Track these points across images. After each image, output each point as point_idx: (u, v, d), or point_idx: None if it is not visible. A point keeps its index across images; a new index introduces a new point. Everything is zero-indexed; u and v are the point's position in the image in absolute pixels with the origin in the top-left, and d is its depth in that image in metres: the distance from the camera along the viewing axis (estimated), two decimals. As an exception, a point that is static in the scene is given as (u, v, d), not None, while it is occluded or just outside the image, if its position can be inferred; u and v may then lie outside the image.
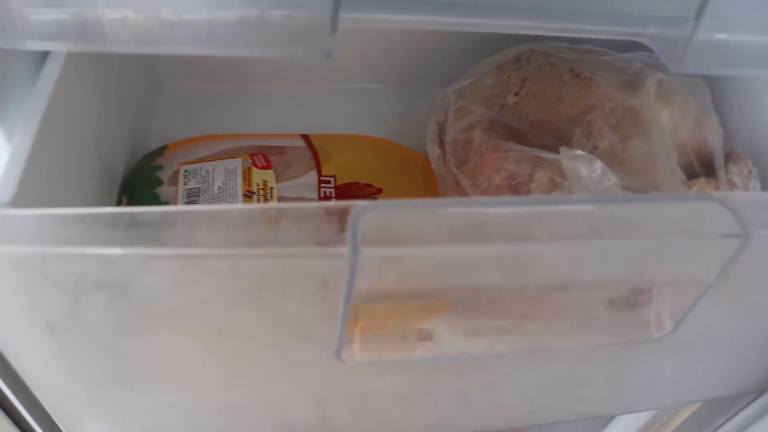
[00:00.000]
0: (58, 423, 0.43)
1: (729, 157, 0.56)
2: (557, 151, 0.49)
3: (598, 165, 0.44)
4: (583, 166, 0.45)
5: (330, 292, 0.33)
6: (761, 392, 0.58)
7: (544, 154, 0.48)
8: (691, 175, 0.54)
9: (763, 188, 0.58)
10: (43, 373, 0.38)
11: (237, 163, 0.56)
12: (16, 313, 0.32)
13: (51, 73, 0.42)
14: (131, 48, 0.33)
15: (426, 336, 0.41)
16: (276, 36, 0.34)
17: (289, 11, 0.34)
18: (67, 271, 0.30)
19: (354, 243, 0.30)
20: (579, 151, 0.46)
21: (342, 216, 0.30)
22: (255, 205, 0.30)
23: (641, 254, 0.35)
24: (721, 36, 0.43)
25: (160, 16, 0.33)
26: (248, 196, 0.53)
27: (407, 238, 0.31)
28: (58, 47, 0.38)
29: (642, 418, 0.78)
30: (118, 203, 0.54)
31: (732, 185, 0.54)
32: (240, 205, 0.30)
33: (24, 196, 0.35)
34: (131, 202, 0.54)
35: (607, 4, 0.44)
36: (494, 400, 0.47)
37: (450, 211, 0.31)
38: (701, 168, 0.54)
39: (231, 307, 0.33)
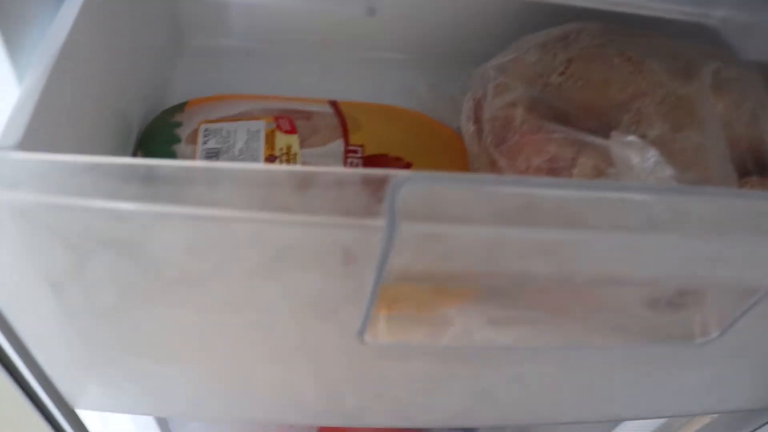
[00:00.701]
0: (57, 388, 0.40)
1: (784, 156, 0.52)
2: (603, 136, 0.46)
3: (652, 154, 0.41)
4: (634, 153, 0.42)
5: (355, 268, 0.30)
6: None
7: (590, 138, 0.45)
8: (743, 172, 0.50)
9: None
10: (44, 335, 0.36)
11: (260, 126, 0.53)
12: (17, 267, 0.30)
13: (68, 14, 0.39)
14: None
15: (454, 321, 0.38)
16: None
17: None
18: (72, 224, 0.27)
19: (392, 216, 0.27)
20: (632, 137, 0.43)
21: (379, 186, 0.27)
22: (284, 167, 0.27)
23: (701, 252, 0.32)
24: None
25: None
26: (270, 160, 0.50)
27: (450, 214, 0.27)
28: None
29: (651, 423, 0.75)
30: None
31: (786, 186, 0.50)
32: (268, 165, 0.27)
33: (31, 142, 0.32)
34: (146, 158, 0.51)
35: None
36: (517, 394, 0.44)
37: (499, 189, 0.28)
38: (755, 166, 0.51)
39: (248, 277, 0.30)
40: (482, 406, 0.43)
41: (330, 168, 0.27)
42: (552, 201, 0.29)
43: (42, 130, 0.34)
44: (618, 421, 0.70)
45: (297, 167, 0.27)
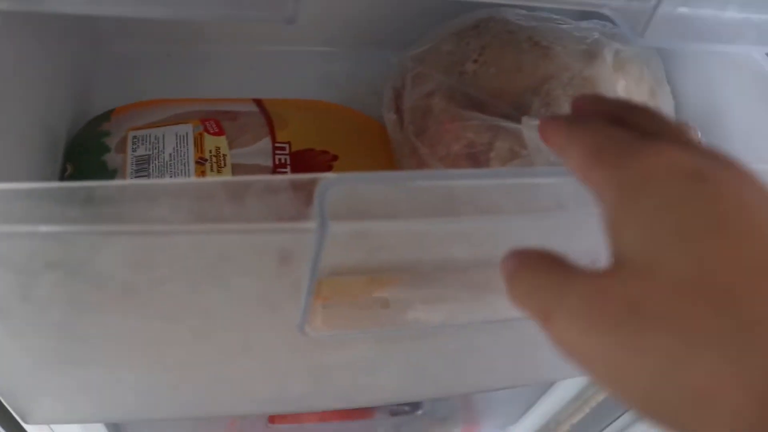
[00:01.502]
0: (9, 407, 0.41)
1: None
2: (517, 121, 0.49)
3: (560, 135, 0.44)
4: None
5: (291, 268, 0.32)
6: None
7: (504, 123, 0.48)
8: (645, 144, 0.54)
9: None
10: (-8, 353, 0.36)
11: (188, 129, 0.54)
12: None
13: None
14: (74, 8, 0.31)
15: (386, 304, 0.40)
16: (236, -2, 0.33)
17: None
18: (17, 250, 0.28)
19: (322, 217, 0.29)
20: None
21: (308, 189, 0.30)
22: (218, 179, 0.28)
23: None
24: (683, 9, 0.43)
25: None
26: (200, 163, 0.51)
27: (376, 211, 0.30)
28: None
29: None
30: (63, 171, 0.52)
31: (684, 154, 0.55)
32: (202, 179, 0.28)
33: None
34: (76, 171, 0.51)
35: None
36: (451, 367, 0.47)
37: (419, 184, 0.31)
38: (655, 137, 0.55)
39: (192, 284, 0.32)
40: (421, 382, 0.46)
41: (260, 177, 0.29)
42: (468, 191, 0.32)
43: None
44: (548, 384, 0.74)
45: (231, 178, 0.28)
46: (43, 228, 0.27)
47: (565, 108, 0.51)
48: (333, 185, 0.29)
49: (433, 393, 0.49)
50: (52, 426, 0.60)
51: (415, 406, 0.80)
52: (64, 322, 0.33)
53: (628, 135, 0.23)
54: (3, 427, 0.68)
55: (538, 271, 0.23)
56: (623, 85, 0.55)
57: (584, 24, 0.58)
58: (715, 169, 0.21)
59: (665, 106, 0.56)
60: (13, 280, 0.30)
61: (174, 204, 0.28)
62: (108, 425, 0.64)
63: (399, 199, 0.31)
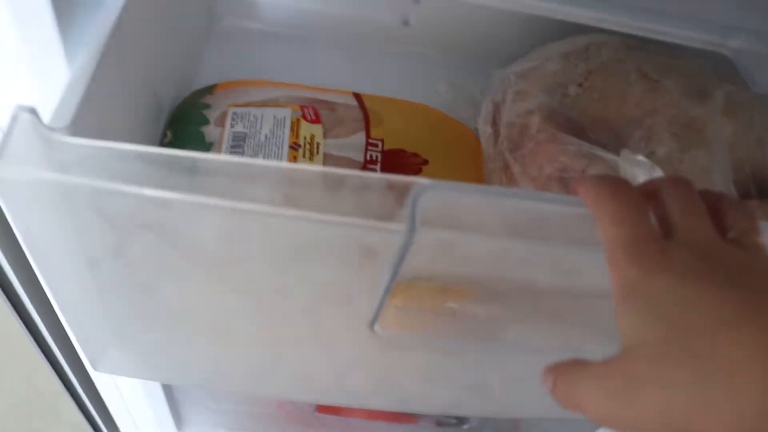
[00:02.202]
0: (80, 350, 0.43)
1: (786, 183, 0.54)
2: (613, 150, 0.48)
3: (658, 173, 0.43)
4: (641, 172, 0.44)
5: (373, 266, 0.32)
6: None
7: (601, 152, 0.47)
8: (744, 195, 0.52)
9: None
10: (76, 303, 0.38)
11: (286, 113, 0.55)
12: (61, 243, 0.32)
13: (115, 2, 0.41)
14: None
15: (460, 315, 0.40)
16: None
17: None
18: (119, 208, 0.29)
19: (412, 221, 0.29)
20: (640, 157, 0.45)
21: (402, 191, 0.30)
22: (317, 167, 0.29)
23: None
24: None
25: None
26: (294, 148, 0.52)
27: (466, 223, 0.30)
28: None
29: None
30: (163, 137, 0.54)
31: (785, 211, 0.52)
32: (302, 166, 0.29)
33: (80, 123, 0.34)
34: (175, 138, 0.53)
35: (690, 6, 0.42)
36: (508, 390, 0.47)
37: (513, 202, 0.31)
38: (756, 190, 0.53)
39: (275, 265, 0.32)
40: (475, 399, 0.46)
41: (357, 172, 0.29)
42: (561, 217, 0.31)
43: (89, 111, 0.36)
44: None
45: (329, 169, 0.29)
46: (147, 191, 0.28)
47: (666, 144, 0.50)
48: (427, 191, 0.29)
49: (485, 412, 0.48)
50: (116, 380, 0.63)
51: (462, 420, 0.80)
52: (148, 282, 0.34)
53: (656, 245, 0.27)
54: (72, 373, 0.71)
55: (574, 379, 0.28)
56: (731, 130, 0.53)
57: (699, 61, 0.56)
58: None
59: (772, 158, 0.54)
60: (109, 235, 0.31)
61: (272, 186, 0.29)
62: (163, 385, 0.66)
63: (489, 213, 0.30)
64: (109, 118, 0.41)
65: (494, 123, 0.55)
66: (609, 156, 0.47)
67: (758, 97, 0.55)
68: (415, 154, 0.55)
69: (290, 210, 0.28)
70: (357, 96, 0.59)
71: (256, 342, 0.39)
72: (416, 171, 0.54)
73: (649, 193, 0.30)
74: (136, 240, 0.31)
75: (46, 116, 0.33)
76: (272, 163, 0.28)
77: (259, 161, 0.28)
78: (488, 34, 0.68)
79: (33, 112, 0.30)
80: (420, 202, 0.29)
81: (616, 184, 0.29)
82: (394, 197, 0.30)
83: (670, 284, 0.25)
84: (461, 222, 0.30)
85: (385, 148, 0.55)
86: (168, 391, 0.71)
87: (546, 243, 0.31)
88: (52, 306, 0.42)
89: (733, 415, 0.21)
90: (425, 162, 0.55)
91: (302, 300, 0.35)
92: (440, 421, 0.84)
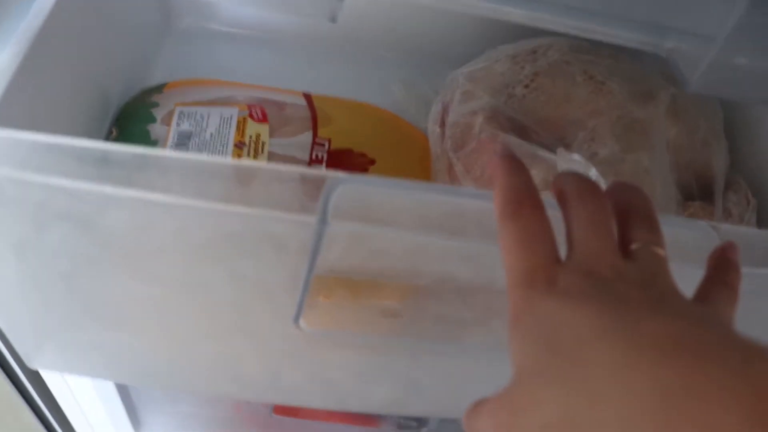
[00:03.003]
0: (15, 346, 0.43)
1: (730, 185, 0.55)
2: (556, 152, 0.48)
3: (593, 173, 0.43)
4: (577, 170, 0.44)
5: (289, 259, 0.32)
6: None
7: (541, 152, 0.48)
8: (688, 197, 0.53)
9: (764, 223, 0.57)
10: (5, 296, 0.38)
11: (233, 112, 0.55)
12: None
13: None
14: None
15: (390, 313, 0.40)
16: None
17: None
18: (31, 197, 0.29)
19: (323, 214, 0.29)
20: (576, 156, 0.45)
21: (316, 185, 0.30)
22: (229, 160, 0.29)
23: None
24: (741, 60, 0.42)
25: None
26: (239, 147, 0.52)
27: (380, 216, 0.30)
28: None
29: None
30: (108, 134, 0.53)
31: (728, 213, 0.53)
32: (215, 158, 0.29)
33: (4, 116, 0.34)
34: (120, 135, 0.53)
35: (628, 9, 0.43)
36: (446, 387, 0.47)
37: (428, 196, 0.31)
38: (699, 191, 0.53)
39: (191, 258, 0.32)
40: (413, 397, 0.46)
41: (271, 165, 0.29)
42: (477, 212, 0.31)
43: (16, 106, 0.36)
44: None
45: (241, 162, 0.29)
46: (55, 180, 0.27)
47: (608, 146, 0.50)
48: (341, 184, 0.30)
49: (421, 411, 0.48)
50: (68, 381, 0.62)
51: (421, 422, 0.80)
52: (70, 274, 0.34)
53: (545, 272, 0.27)
54: (19, 368, 0.70)
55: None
56: (675, 133, 0.53)
57: (645, 64, 0.56)
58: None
59: (717, 161, 0.55)
60: (28, 225, 0.31)
61: (183, 178, 0.29)
62: (117, 386, 0.66)
63: (406, 209, 0.30)
64: (45, 112, 0.41)
65: (442, 123, 0.55)
66: (549, 155, 0.47)
67: (704, 100, 0.56)
68: (362, 154, 0.56)
69: (198, 201, 0.28)
70: (307, 96, 0.59)
71: (184, 337, 0.39)
72: (363, 170, 0.54)
73: (562, 203, 0.30)
74: (53, 230, 0.31)
75: (-35, 107, 0.33)
76: (183, 155, 0.28)
77: (170, 153, 0.28)
78: (445, 36, 0.69)
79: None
80: (332, 195, 0.29)
81: (519, 202, 0.28)
82: (310, 192, 0.30)
83: (550, 308, 0.25)
84: (377, 216, 0.30)
85: (332, 147, 0.55)
86: (123, 393, 0.71)
87: (462, 238, 0.31)
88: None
89: (596, 427, 0.21)
90: (372, 162, 0.55)
91: (224, 295, 0.35)
92: (401, 425, 0.84)
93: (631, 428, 0.21)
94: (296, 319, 0.35)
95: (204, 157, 0.28)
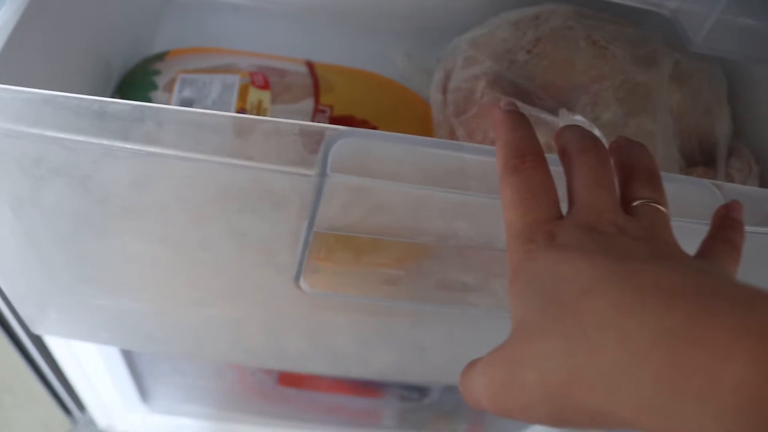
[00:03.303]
0: (18, 310, 0.43)
1: (732, 152, 0.54)
2: (558, 115, 0.48)
3: (597, 134, 0.43)
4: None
5: (289, 215, 0.32)
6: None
7: (543, 115, 0.47)
8: (690, 162, 0.52)
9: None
10: (5, 259, 0.38)
11: (235, 79, 0.54)
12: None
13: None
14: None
15: (390, 280, 0.40)
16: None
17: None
18: (27, 151, 0.29)
19: (323, 167, 0.29)
20: (579, 116, 0.45)
21: (317, 138, 0.30)
22: (228, 114, 0.29)
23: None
24: (743, 20, 0.41)
25: None
26: (241, 113, 0.52)
27: (380, 171, 0.30)
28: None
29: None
30: (109, 101, 0.53)
31: (730, 179, 0.52)
32: (212, 112, 0.29)
33: (2, 71, 0.34)
34: (122, 102, 0.53)
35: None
36: (448, 353, 0.47)
37: (430, 150, 0.30)
38: (702, 157, 0.53)
39: (189, 214, 0.32)
40: (415, 363, 0.46)
41: (270, 118, 0.29)
42: (481, 168, 0.31)
43: (14, 64, 0.36)
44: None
45: (240, 115, 0.29)
46: (51, 133, 0.27)
47: (611, 110, 0.50)
48: (340, 138, 0.29)
49: (423, 377, 0.48)
50: (71, 344, 0.62)
51: (423, 393, 0.80)
52: (68, 233, 0.34)
53: (543, 228, 0.27)
54: (27, 337, 0.71)
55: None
56: (679, 98, 0.53)
57: (649, 30, 0.56)
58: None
59: (721, 127, 0.54)
60: (25, 181, 0.31)
61: (180, 131, 0.28)
62: (124, 355, 0.66)
63: (407, 163, 0.30)
64: (43, 74, 0.41)
65: (444, 90, 0.55)
66: (552, 119, 0.47)
67: (706, 65, 0.55)
68: (364, 121, 0.55)
69: (196, 154, 0.28)
70: (309, 64, 0.59)
71: (186, 301, 0.39)
72: (364, 137, 0.54)
73: (564, 159, 0.30)
74: (49, 186, 0.31)
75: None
76: (180, 108, 0.28)
77: (167, 106, 0.28)
78: (447, 5, 0.68)
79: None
80: (332, 148, 0.29)
81: (521, 157, 0.28)
82: (310, 147, 0.30)
83: (548, 262, 0.25)
84: (377, 170, 0.30)
85: (334, 114, 0.55)
86: (130, 362, 0.71)
87: (464, 193, 0.30)
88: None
89: (596, 376, 0.21)
90: (374, 129, 0.55)
91: (224, 253, 0.35)
92: (403, 396, 0.84)
93: (628, 376, 0.21)
94: (297, 278, 0.35)
95: (201, 111, 0.28)
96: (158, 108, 0.28)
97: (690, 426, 0.20)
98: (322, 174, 0.29)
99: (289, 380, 0.80)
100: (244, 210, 0.31)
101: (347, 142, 0.29)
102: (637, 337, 0.21)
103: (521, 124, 0.30)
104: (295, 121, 0.29)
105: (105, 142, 0.28)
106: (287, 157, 0.29)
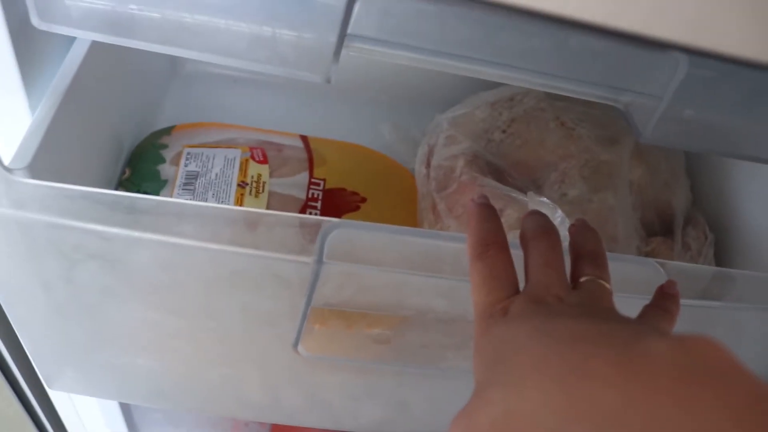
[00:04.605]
0: (36, 369, 0.47)
1: (689, 221, 0.60)
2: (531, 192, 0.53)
3: (559, 214, 0.48)
4: (545, 212, 0.49)
5: (290, 293, 0.37)
6: None
7: (515, 194, 0.53)
8: (650, 232, 0.58)
9: (721, 257, 0.62)
10: (32, 323, 0.42)
11: (236, 154, 0.59)
12: (17, 269, 0.37)
13: (78, 53, 0.46)
14: (154, 47, 0.37)
15: (381, 340, 0.45)
16: (283, 56, 0.38)
17: (299, 33, 0.38)
18: (67, 240, 0.34)
19: (319, 255, 0.34)
20: (544, 198, 0.50)
21: (313, 229, 0.35)
22: (238, 208, 0.34)
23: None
24: (688, 113, 0.47)
25: (184, 22, 0.37)
26: (242, 186, 0.57)
27: (368, 258, 0.35)
28: (89, 36, 0.42)
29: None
30: (121, 174, 0.58)
31: (687, 248, 0.58)
32: (225, 206, 0.34)
33: (38, 163, 0.39)
34: (133, 175, 0.58)
35: (589, 72, 0.48)
36: (431, 408, 0.51)
37: (410, 239, 0.36)
38: (661, 227, 0.58)
39: (205, 292, 0.37)
40: (401, 417, 0.50)
41: (274, 212, 0.34)
42: (454, 253, 0.36)
43: (48, 153, 0.41)
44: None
45: (249, 209, 0.34)
46: (90, 226, 0.32)
47: (577, 187, 0.55)
48: (334, 229, 0.34)
49: (415, 430, 0.53)
50: (73, 398, 0.66)
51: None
52: (95, 305, 0.38)
53: (500, 305, 0.32)
54: (31, 393, 0.74)
55: None
56: (639, 174, 0.58)
57: (614, 111, 0.62)
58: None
59: (678, 199, 0.60)
60: (62, 263, 0.36)
61: (199, 224, 0.33)
62: (122, 409, 0.70)
63: (391, 250, 0.35)
64: (69, 157, 0.46)
65: (428, 165, 0.61)
66: (522, 197, 0.52)
67: (664, 144, 0.61)
68: (355, 193, 0.60)
69: (212, 244, 0.33)
70: (303, 138, 0.64)
71: (195, 362, 0.44)
72: (355, 208, 0.59)
73: (523, 243, 0.35)
74: (83, 267, 0.36)
75: (7, 159, 0.38)
76: (199, 204, 0.33)
77: (188, 202, 0.33)
78: (431, 82, 0.74)
79: (-6, 156, 0.34)
80: (327, 239, 0.34)
81: (486, 245, 0.33)
82: (308, 235, 0.35)
83: (500, 331, 0.30)
84: (366, 256, 0.35)
85: (327, 186, 0.60)
86: (127, 415, 0.75)
87: (439, 275, 0.36)
88: (12, 328, 0.46)
89: (523, 412, 0.25)
90: (364, 200, 0.60)
91: (232, 323, 0.39)
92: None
93: (545, 409, 0.25)
94: (296, 344, 0.40)
95: (217, 205, 0.33)
96: (181, 204, 0.33)
97: None
98: (319, 261, 0.34)
99: (282, 428, 0.84)
100: (251, 288, 0.36)
101: (341, 232, 0.34)
102: (548, 375, 0.26)
103: (489, 216, 0.35)
104: (295, 215, 0.34)
105: (135, 233, 0.33)
106: (289, 246, 0.34)
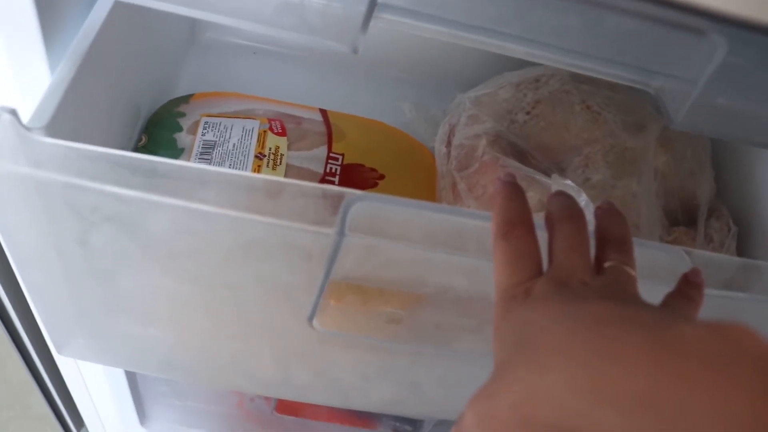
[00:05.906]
0: (47, 336, 0.46)
1: (713, 212, 0.59)
2: (551, 177, 0.52)
3: (583, 198, 0.47)
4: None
5: (309, 265, 0.36)
6: None
7: (538, 175, 0.52)
8: (673, 222, 0.57)
9: (743, 250, 0.61)
10: (45, 288, 0.42)
11: (255, 125, 0.59)
12: (33, 231, 0.36)
13: (99, 14, 0.45)
14: (179, 8, 0.36)
15: (394, 319, 0.44)
16: (311, 23, 0.37)
17: (327, 0, 0.37)
18: (85, 201, 0.33)
19: (341, 227, 0.33)
20: (569, 181, 0.49)
21: (336, 200, 0.34)
22: (260, 176, 0.33)
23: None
24: (721, 101, 0.46)
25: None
26: (259, 158, 0.56)
27: (390, 231, 0.34)
28: (111, -6, 0.41)
29: None
30: (138, 141, 0.57)
31: (709, 240, 0.57)
32: (247, 173, 0.33)
33: (56, 124, 0.38)
34: (149, 142, 0.57)
35: (622, 53, 0.47)
36: (444, 389, 0.50)
37: (434, 215, 0.35)
38: (684, 217, 0.57)
39: (222, 260, 0.36)
40: (412, 398, 0.50)
41: (297, 181, 0.33)
42: (477, 231, 0.35)
43: (66, 114, 0.40)
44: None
45: (271, 177, 0.33)
46: (107, 188, 0.31)
47: (601, 172, 0.54)
48: (357, 201, 0.34)
49: (421, 412, 0.52)
50: (80, 367, 0.66)
51: (415, 426, 0.83)
52: (110, 270, 0.38)
53: (522, 287, 0.31)
54: (40, 361, 0.74)
55: None
56: (664, 161, 0.57)
57: (641, 96, 0.60)
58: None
59: (702, 189, 0.59)
60: (78, 225, 0.35)
61: (220, 190, 0.33)
62: (128, 378, 0.70)
63: (414, 225, 0.35)
64: (87, 120, 0.45)
65: (448, 144, 0.60)
66: (545, 179, 0.51)
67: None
68: (373, 169, 0.60)
69: (233, 212, 0.32)
70: (323, 112, 0.63)
71: (208, 333, 0.43)
72: (373, 185, 0.58)
73: (548, 224, 0.34)
74: (99, 230, 0.35)
75: (26, 117, 0.37)
76: (221, 169, 0.32)
77: (210, 168, 0.32)
78: (455, 60, 0.73)
79: (13, 113, 0.33)
80: (349, 211, 0.33)
81: (512, 224, 0.33)
82: (330, 207, 0.34)
83: (521, 313, 0.29)
84: (388, 230, 0.34)
85: (345, 162, 0.59)
86: (133, 385, 0.75)
87: (462, 254, 0.35)
88: (23, 296, 0.45)
89: (546, 394, 0.25)
90: (382, 177, 0.59)
91: (248, 294, 0.39)
92: (396, 428, 0.88)
93: (569, 392, 0.24)
94: (311, 318, 0.39)
95: (239, 172, 0.32)
96: (202, 169, 0.33)
97: (606, 428, 0.23)
98: (341, 233, 0.33)
99: (286, 408, 0.84)
100: (269, 259, 0.35)
101: (363, 205, 0.34)
102: (573, 358, 0.25)
103: (516, 195, 0.34)
104: (318, 185, 0.33)
105: (155, 197, 0.32)
106: (310, 216, 0.33)
